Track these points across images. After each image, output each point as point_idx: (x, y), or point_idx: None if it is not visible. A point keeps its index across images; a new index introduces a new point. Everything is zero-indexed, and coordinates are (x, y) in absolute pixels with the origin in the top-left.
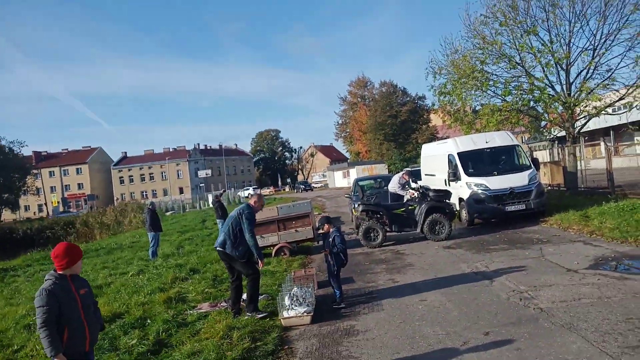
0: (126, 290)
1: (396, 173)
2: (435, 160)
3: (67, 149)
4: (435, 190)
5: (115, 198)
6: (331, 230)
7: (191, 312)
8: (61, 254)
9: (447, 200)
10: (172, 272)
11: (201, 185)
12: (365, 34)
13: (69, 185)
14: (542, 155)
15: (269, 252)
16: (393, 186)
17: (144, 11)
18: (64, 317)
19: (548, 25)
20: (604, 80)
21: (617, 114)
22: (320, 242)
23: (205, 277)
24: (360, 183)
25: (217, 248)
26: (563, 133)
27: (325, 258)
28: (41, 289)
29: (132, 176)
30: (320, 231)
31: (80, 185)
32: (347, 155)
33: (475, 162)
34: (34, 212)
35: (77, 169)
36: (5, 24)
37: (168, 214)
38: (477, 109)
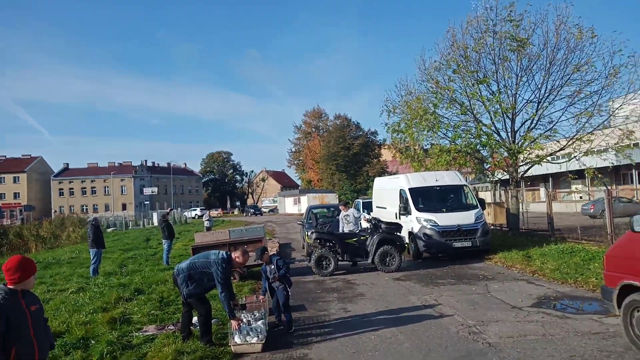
0: (66, 308)
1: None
2: (386, 194)
3: (4, 156)
4: (386, 223)
5: (53, 210)
6: (269, 256)
7: (137, 334)
8: (13, 268)
9: (397, 233)
10: (115, 291)
11: (146, 202)
12: (322, 68)
13: (4, 194)
14: (486, 196)
15: None
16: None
17: (96, 21)
18: (13, 334)
19: (497, 77)
20: (546, 131)
21: (557, 163)
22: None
23: (151, 298)
24: (314, 211)
25: (176, 273)
26: (507, 176)
27: (268, 289)
28: None
29: (72, 189)
30: (259, 261)
31: (16, 195)
32: (299, 182)
33: (425, 198)
34: None
35: (15, 177)
36: None
37: (110, 230)
38: (427, 147)
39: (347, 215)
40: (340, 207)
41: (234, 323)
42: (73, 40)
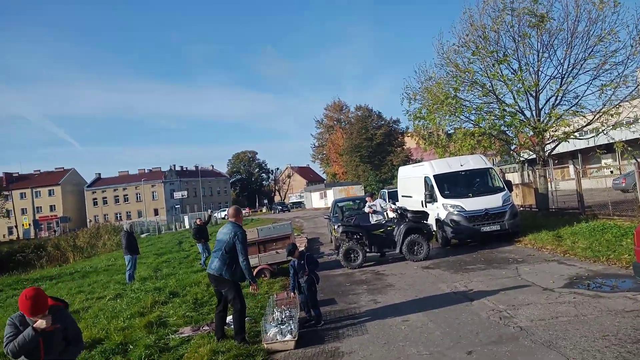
0: (104, 315)
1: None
2: (411, 182)
3: (39, 171)
4: (412, 212)
5: (88, 220)
6: (300, 253)
7: (173, 336)
8: (23, 305)
9: (424, 221)
10: (151, 295)
11: (177, 206)
12: (339, 59)
13: (41, 207)
14: (514, 177)
15: None
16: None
17: (109, 32)
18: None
19: (518, 55)
20: (571, 107)
21: (585, 139)
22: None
23: (185, 301)
24: (340, 204)
25: (211, 272)
26: (533, 156)
27: (296, 285)
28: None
29: (106, 198)
30: (290, 257)
31: (52, 207)
32: (323, 176)
33: (450, 184)
34: (4, 235)
35: (50, 191)
36: None
37: (143, 235)
38: (450, 132)
39: (373, 205)
40: (366, 199)
41: (253, 286)
42: (91, 51)
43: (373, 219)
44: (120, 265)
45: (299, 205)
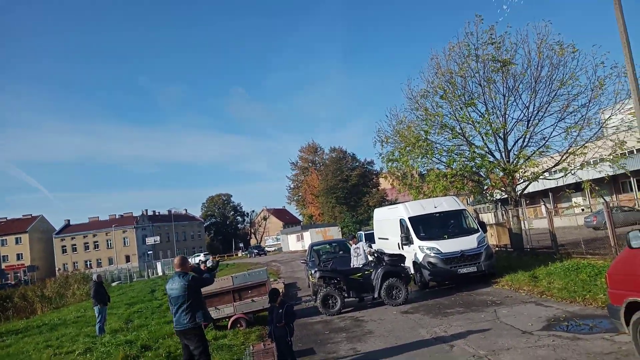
0: None
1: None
2: (387, 225)
3: (5, 218)
4: (389, 255)
5: (57, 268)
6: (281, 300)
7: None
8: None
9: (402, 265)
10: (122, 349)
11: (149, 252)
12: (311, 103)
13: (7, 255)
14: (488, 217)
15: (224, 324)
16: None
17: (76, 75)
18: None
19: (484, 99)
20: (539, 148)
21: (554, 178)
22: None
23: (158, 354)
24: (316, 248)
25: (180, 329)
26: (506, 195)
27: (273, 333)
28: None
29: (75, 245)
30: (271, 303)
31: (19, 256)
32: (300, 218)
33: (426, 226)
34: None
35: (17, 239)
36: None
37: (114, 284)
38: (424, 173)
39: (357, 248)
40: (350, 242)
41: None
42: (60, 95)
43: (357, 262)
44: (90, 316)
45: (279, 249)
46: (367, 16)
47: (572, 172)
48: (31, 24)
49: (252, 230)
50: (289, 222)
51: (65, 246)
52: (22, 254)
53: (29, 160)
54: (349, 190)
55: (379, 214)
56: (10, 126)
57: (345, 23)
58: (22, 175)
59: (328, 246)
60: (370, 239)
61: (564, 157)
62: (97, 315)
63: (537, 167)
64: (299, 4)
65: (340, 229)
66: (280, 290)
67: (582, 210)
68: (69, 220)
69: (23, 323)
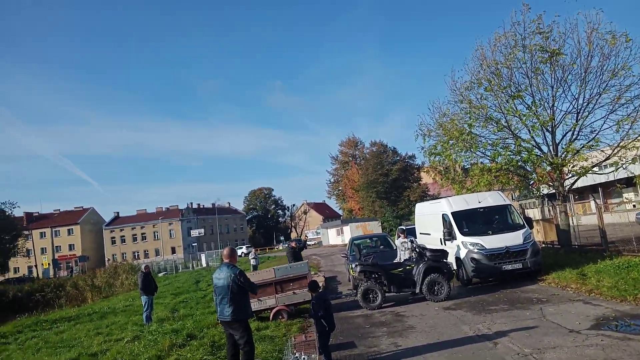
0: (123, 358)
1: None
2: (429, 220)
3: (58, 210)
4: (431, 250)
5: (106, 259)
6: (313, 295)
7: None
8: None
9: (444, 260)
10: (168, 338)
11: (194, 244)
12: (351, 96)
13: (60, 246)
14: (534, 213)
15: (266, 315)
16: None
17: (121, 70)
18: None
19: (532, 91)
20: (588, 142)
21: (604, 173)
22: None
23: (203, 344)
24: (356, 242)
25: (224, 320)
26: (553, 190)
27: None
28: None
29: (124, 236)
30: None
31: (71, 247)
32: (340, 212)
33: (469, 221)
34: (23, 274)
35: (69, 230)
36: None
37: (161, 274)
38: (467, 167)
39: (405, 242)
40: (399, 234)
41: None
42: (105, 90)
43: (404, 256)
44: (137, 305)
45: (319, 243)
46: (406, 7)
47: (624, 166)
48: (78, 18)
49: (293, 224)
50: (328, 216)
51: (114, 237)
52: (73, 244)
53: (79, 154)
54: (390, 185)
55: (421, 208)
56: (62, 121)
57: (384, 14)
58: (73, 169)
59: (369, 240)
60: (411, 234)
61: (615, 150)
62: (144, 304)
63: (586, 161)
64: None
65: (380, 224)
66: (321, 284)
67: (634, 206)
68: (118, 213)
69: (75, 311)
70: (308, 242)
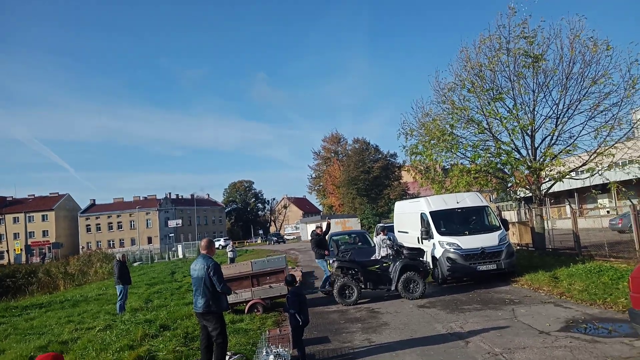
0: (93, 347)
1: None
2: (408, 218)
3: (33, 195)
4: (408, 249)
5: (80, 246)
6: (289, 289)
7: None
8: None
9: (420, 259)
10: (141, 328)
11: (171, 235)
12: (335, 91)
13: (34, 232)
14: (510, 215)
15: (241, 308)
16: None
17: (102, 56)
18: None
19: (513, 94)
20: (567, 147)
21: (581, 179)
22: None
23: (176, 334)
24: (335, 238)
25: (198, 311)
26: (530, 194)
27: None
28: None
29: (99, 224)
30: (288, 287)
31: (45, 233)
32: (320, 208)
33: (447, 221)
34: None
35: (43, 216)
36: None
37: (136, 264)
38: (447, 168)
39: (385, 239)
40: (378, 232)
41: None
42: (86, 76)
43: (382, 253)
44: (111, 294)
45: (298, 238)
46: (394, 3)
47: (600, 172)
48: (60, 4)
49: (272, 218)
50: (308, 211)
51: (89, 225)
52: (47, 230)
53: (56, 139)
54: (371, 182)
55: (400, 207)
56: (40, 105)
57: (371, 11)
58: (49, 154)
59: (347, 237)
60: (389, 232)
61: (592, 157)
62: (118, 293)
63: (563, 166)
64: None
65: (359, 221)
66: (298, 278)
67: (608, 212)
68: (94, 200)
69: (47, 298)
70: (286, 237)
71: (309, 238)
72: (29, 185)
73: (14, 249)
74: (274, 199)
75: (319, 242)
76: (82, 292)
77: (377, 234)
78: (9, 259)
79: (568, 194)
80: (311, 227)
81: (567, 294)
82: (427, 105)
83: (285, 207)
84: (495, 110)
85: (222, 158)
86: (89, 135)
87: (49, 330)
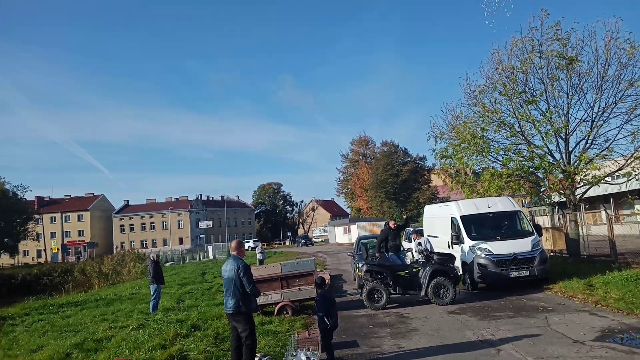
0: (127, 346)
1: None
2: (438, 222)
3: (69, 195)
4: (439, 254)
5: (114, 246)
6: (318, 291)
7: None
8: None
9: (451, 264)
10: (173, 327)
11: (201, 236)
12: (364, 94)
13: (70, 231)
14: (544, 221)
15: (271, 310)
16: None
17: (134, 60)
18: None
19: (547, 97)
20: (602, 151)
21: (617, 183)
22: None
23: (207, 335)
24: (363, 241)
25: (228, 311)
26: (564, 198)
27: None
28: None
29: (132, 225)
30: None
31: (80, 232)
32: (348, 210)
33: (478, 226)
34: (32, 258)
35: (79, 216)
36: (9, 67)
37: (168, 264)
38: (478, 171)
39: (419, 243)
40: (412, 236)
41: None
42: (118, 78)
43: (414, 257)
44: (143, 294)
45: (326, 240)
46: (424, 8)
47: (637, 177)
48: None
49: (301, 220)
50: (336, 214)
51: (123, 225)
52: (83, 230)
53: (92, 141)
54: (399, 186)
55: (430, 211)
56: (76, 108)
57: (402, 16)
58: (85, 155)
59: (376, 240)
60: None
61: (629, 161)
62: (152, 292)
63: (599, 170)
64: None
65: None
66: (326, 281)
67: None
68: (128, 201)
69: (82, 296)
70: (314, 240)
71: (349, 241)
72: (66, 185)
73: (51, 248)
74: (302, 201)
75: (395, 235)
76: (116, 291)
77: (408, 239)
78: (46, 258)
79: (604, 199)
80: (339, 229)
81: (602, 303)
82: (457, 108)
83: (313, 209)
84: (528, 113)
85: (250, 160)
86: (123, 137)
87: (84, 327)
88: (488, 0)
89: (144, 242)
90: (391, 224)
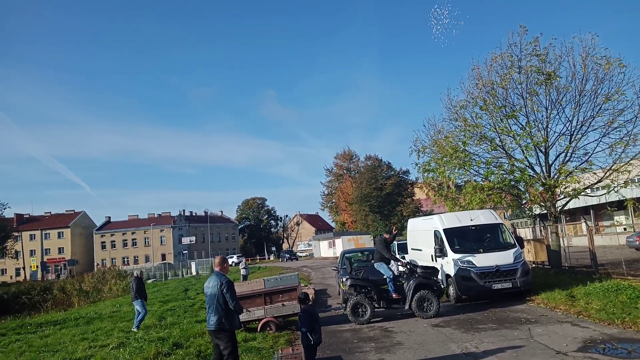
0: None
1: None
2: (421, 235)
3: (49, 212)
4: (422, 267)
5: (95, 263)
6: (301, 307)
7: None
8: None
9: (434, 277)
10: (154, 346)
11: (184, 252)
12: (346, 109)
13: (49, 249)
14: (525, 233)
15: (254, 326)
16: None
17: (114, 75)
18: None
19: (526, 111)
20: (581, 164)
21: (596, 195)
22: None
23: (189, 353)
24: (348, 255)
25: (211, 328)
26: (545, 211)
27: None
28: None
29: (114, 241)
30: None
31: (60, 250)
32: (332, 224)
33: (461, 239)
34: (11, 276)
35: (59, 233)
36: None
37: (150, 281)
38: (460, 185)
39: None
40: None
41: None
42: (99, 94)
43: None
44: (124, 312)
45: (310, 255)
46: (405, 22)
47: (615, 189)
48: (73, 23)
49: (285, 235)
50: (321, 228)
51: (104, 242)
52: (63, 248)
53: (72, 157)
54: (383, 199)
55: (413, 224)
56: (56, 124)
57: (382, 30)
58: (65, 172)
59: (360, 254)
60: (402, 249)
61: (607, 173)
62: (139, 309)
63: (578, 183)
64: (335, 9)
65: (372, 238)
66: (311, 296)
67: (625, 229)
68: (109, 217)
69: (61, 315)
70: (299, 254)
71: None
72: (45, 202)
73: (30, 266)
74: (286, 215)
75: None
76: (97, 309)
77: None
78: (25, 276)
79: (584, 211)
80: (324, 244)
81: (584, 313)
82: (439, 123)
83: (297, 224)
84: (508, 128)
85: (234, 175)
86: (104, 153)
87: (63, 347)
88: (437, 15)
89: (125, 259)
90: (386, 236)
